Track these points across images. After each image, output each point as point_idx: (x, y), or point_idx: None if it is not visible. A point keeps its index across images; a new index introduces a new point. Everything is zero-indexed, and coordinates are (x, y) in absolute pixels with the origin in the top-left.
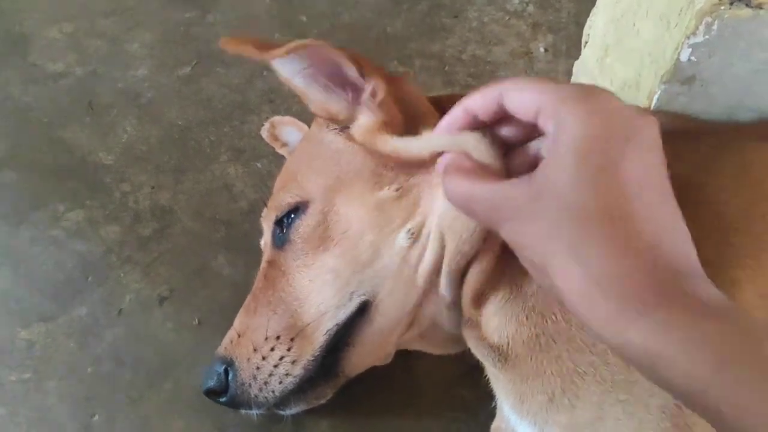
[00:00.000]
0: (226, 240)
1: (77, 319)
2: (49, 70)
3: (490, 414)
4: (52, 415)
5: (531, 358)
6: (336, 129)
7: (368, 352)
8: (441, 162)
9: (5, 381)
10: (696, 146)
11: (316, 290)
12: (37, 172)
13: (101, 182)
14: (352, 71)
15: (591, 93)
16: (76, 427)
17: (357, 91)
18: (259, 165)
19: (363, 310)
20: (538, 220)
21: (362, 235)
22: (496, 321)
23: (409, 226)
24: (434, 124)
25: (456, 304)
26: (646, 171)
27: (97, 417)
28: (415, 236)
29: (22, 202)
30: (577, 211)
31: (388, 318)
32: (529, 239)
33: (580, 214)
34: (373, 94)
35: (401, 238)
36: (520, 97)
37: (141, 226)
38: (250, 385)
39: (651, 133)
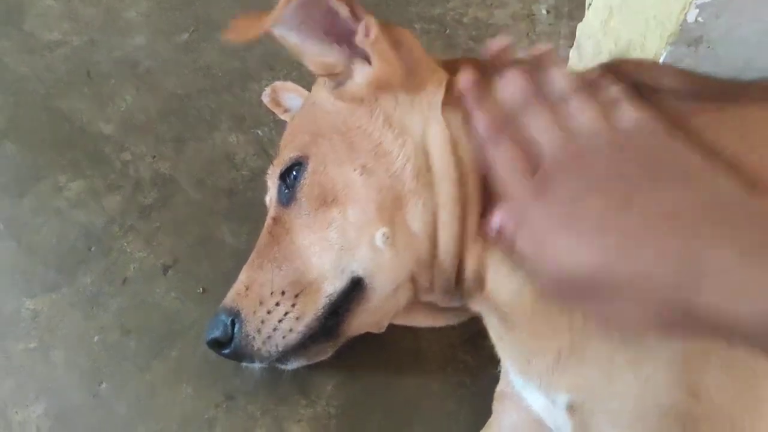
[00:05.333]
0: (229, 208)
1: (82, 289)
2: (45, 39)
3: (494, 378)
4: (60, 384)
5: (540, 316)
6: (330, 86)
7: (368, 320)
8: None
9: (13, 351)
10: (696, 104)
11: (316, 254)
12: (36, 143)
13: (101, 152)
14: (343, 11)
15: None
16: (84, 395)
17: (353, 45)
18: (260, 132)
19: (358, 284)
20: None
21: (346, 211)
22: (506, 276)
23: (384, 229)
24: (438, 81)
25: (453, 271)
26: None
27: (104, 385)
28: (391, 240)
29: (23, 174)
30: None
31: (382, 297)
32: None
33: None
34: (367, 33)
35: (378, 239)
36: None
37: (142, 195)
38: (254, 337)
39: None
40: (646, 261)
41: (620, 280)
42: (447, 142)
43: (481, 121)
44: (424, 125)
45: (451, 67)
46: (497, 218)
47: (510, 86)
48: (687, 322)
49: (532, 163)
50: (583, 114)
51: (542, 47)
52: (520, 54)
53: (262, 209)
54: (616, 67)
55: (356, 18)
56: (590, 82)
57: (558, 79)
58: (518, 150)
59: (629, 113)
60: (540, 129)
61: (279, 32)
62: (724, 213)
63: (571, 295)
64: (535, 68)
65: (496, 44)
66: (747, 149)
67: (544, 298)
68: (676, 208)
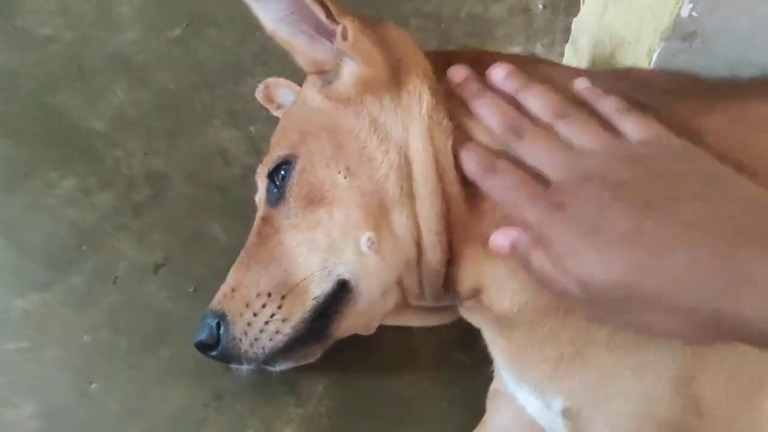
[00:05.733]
0: (221, 205)
1: (73, 287)
2: (36, 34)
3: (488, 377)
4: (50, 383)
5: (545, 326)
6: (319, 85)
7: (356, 322)
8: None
9: (3, 350)
10: (690, 105)
11: (303, 255)
12: (27, 138)
13: (93, 148)
14: (320, 13)
15: None
16: (75, 394)
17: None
18: (252, 129)
19: (344, 287)
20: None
21: (332, 213)
22: (511, 286)
23: (369, 234)
24: (423, 74)
25: (441, 279)
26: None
27: (94, 384)
28: (376, 246)
29: (14, 170)
30: None
31: (370, 300)
32: None
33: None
34: (344, 36)
35: (363, 243)
36: None
37: (134, 192)
38: (240, 340)
39: None
40: (678, 271)
41: (651, 290)
42: (428, 154)
43: (468, 165)
44: (407, 133)
45: (442, 62)
46: (506, 237)
47: (492, 114)
48: (719, 331)
49: (536, 185)
50: (585, 131)
51: (498, 70)
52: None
53: (254, 206)
54: (606, 74)
55: (333, 21)
56: (580, 96)
57: (544, 98)
58: (519, 175)
59: (638, 124)
60: (539, 152)
61: (270, 25)
62: (759, 219)
63: (603, 310)
64: (516, 89)
65: (458, 74)
66: (751, 155)
67: (573, 313)
68: (706, 216)
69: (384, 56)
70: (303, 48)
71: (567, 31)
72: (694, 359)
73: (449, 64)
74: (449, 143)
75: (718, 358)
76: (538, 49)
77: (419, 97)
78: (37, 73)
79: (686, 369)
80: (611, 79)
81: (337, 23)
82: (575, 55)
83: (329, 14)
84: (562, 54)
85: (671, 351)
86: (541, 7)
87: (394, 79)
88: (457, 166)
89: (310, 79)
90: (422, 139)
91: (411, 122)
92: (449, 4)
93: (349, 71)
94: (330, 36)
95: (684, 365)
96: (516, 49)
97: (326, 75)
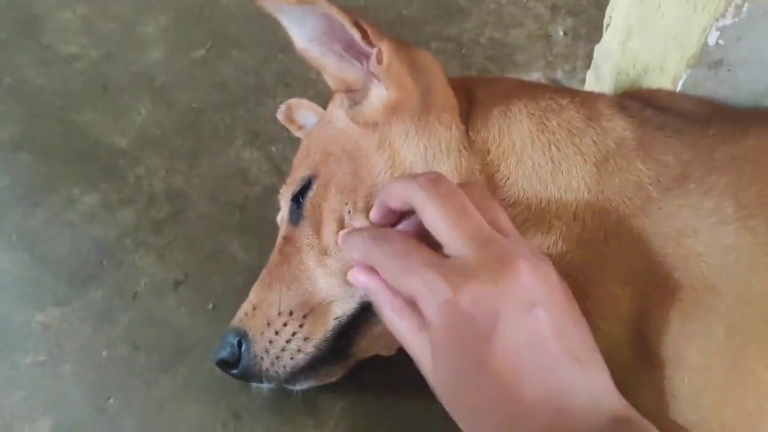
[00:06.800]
0: (241, 224)
1: (92, 302)
2: (62, 52)
3: None
4: (67, 399)
5: None
6: (346, 105)
7: (377, 343)
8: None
9: (21, 364)
10: (716, 132)
11: (324, 275)
12: (51, 155)
13: (115, 166)
14: (356, 35)
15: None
16: (91, 410)
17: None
18: (273, 149)
19: (367, 308)
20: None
21: None
22: None
23: None
24: (450, 109)
25: None
26: (519, 354)
27: (111, 400)
28: None
29: (37, 185)
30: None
31: None
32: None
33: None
34: (379, 59)
35: None
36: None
37: (155, 210)
38: (262, 358)
39: (514, 315)
40: None
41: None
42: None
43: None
44: (433, 164)
45: (465, 89)
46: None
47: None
48: None
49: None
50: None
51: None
52: None
53: (274, 225)
54: (633, 95)
55: (369, 43)
56: None
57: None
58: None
59: None
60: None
61: (301, 44)
62: None
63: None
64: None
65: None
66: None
67: None
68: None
69: (414, 82)
70: (332, 67)
71: (588, 57)
72: None
73: (467, 92)
74: (477, 174)
75: None
76: (559, 75)
77: (449, 129)
78: (61, 91)
79: None
80: (637, 102)
81: (373, 46)
82: (597, 82)
83: (365, 36)
84: (583, 80)
85: None
86: (561, 33)
87: (423, 106)
88: None
89: (338, 98)
90: (452, 170)
91: (440, 152)
92: (470, 28)
93: (378, 94)
94: (360, 57)
95: None
96: (536, 75)
97: (354, 94)
